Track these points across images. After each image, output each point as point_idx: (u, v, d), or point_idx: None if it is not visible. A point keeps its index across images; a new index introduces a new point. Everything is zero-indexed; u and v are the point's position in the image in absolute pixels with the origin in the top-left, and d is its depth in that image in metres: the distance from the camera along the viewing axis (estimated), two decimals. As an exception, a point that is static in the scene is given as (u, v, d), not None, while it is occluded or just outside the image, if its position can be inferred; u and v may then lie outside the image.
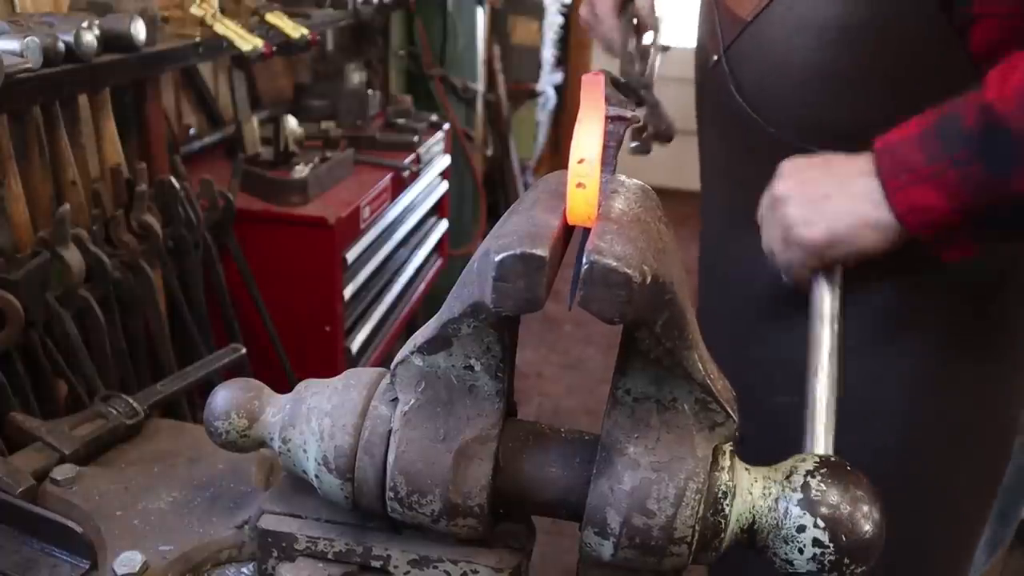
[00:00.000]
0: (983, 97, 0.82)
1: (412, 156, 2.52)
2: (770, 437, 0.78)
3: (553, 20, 4.81)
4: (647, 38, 1.29)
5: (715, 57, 1.09)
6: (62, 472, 0.81)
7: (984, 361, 1.09)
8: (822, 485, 0.58)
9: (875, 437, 1.07)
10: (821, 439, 0.83)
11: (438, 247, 2.97)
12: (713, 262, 1.28)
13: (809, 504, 0.58)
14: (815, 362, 0.92)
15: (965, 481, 1.14)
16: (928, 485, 1.11)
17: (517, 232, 0.52)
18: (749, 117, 1.05)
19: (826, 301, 0.93)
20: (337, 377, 0.67)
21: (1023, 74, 0.80)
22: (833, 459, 0.61)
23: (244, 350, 1.12)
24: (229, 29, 1.80)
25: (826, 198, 0.92)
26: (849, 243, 0.92)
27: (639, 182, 0.66)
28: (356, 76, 2.90)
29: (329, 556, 0.66)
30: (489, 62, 4.04)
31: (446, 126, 2.96)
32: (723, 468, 0.60)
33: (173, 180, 1.70)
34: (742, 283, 1.18)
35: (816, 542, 0.57)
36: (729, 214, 1.20)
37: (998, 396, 1.12)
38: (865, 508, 0.58)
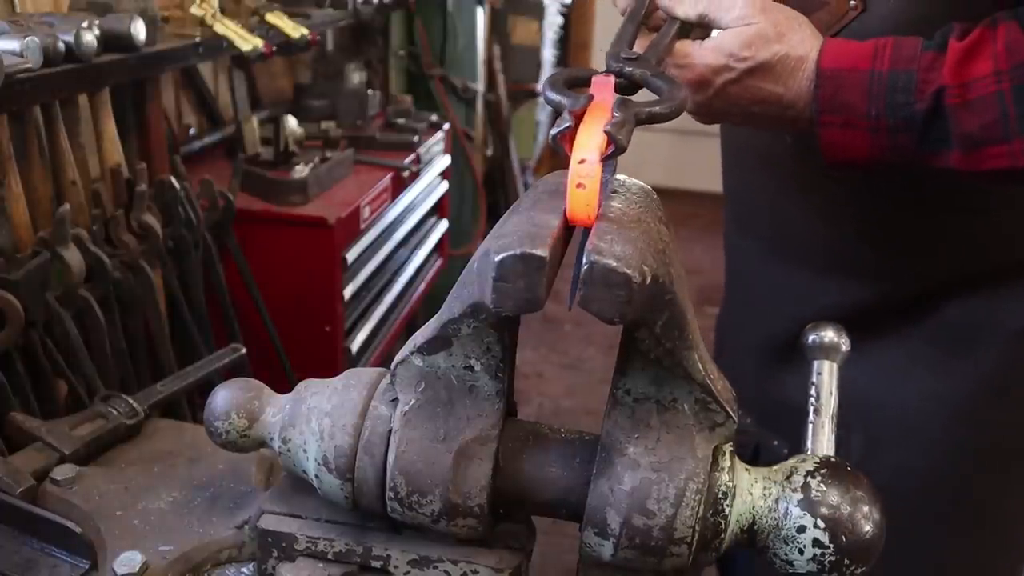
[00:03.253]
0: (941, 77, 0.82)
1: (412, 156, 2.52)
2: None
3: (553, 20, 4.81)
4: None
5: None
6: (62, 472, 0.81)
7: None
8: (822, 486, 0.58)
9: (923, 458, 1.07)
10: (822, 440, 0.83)
11: (438, 247, 2.97)
12: (746, 295, 1.26)
13: (809, 504, 0.58)
14: (818, 363, 0.92)
15: (1014, 506, 1.13)
16: (975, 508, 1.10)
17: (517, 232, 0.52)
18: (806, 152, 1.04)
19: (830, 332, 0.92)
20: (337, 377, 0.67)
21: (984, 65, 0.81)
22: (833, 459, 0.61)
23: (244, 350, 1.12)
24: (229, 29, 1.80)
25: (763, 100, 0.90)
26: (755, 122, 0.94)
27: (639, 182, 0.66)
28: (356, 76, 2.89)
29: (329, 556, 0.66)
30: (489, 62, 4.04)
31: (446, 126, 2.95)
32: (723, 468, 0.60)
33: (173, 180, 1.70)
34: (783, 311, 1.17)
35: (816, 542, 0.57)
36: (768, 248, 1.19)
37: None
38: (865, 508, 0.58)
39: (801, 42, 0.88)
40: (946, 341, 1.06)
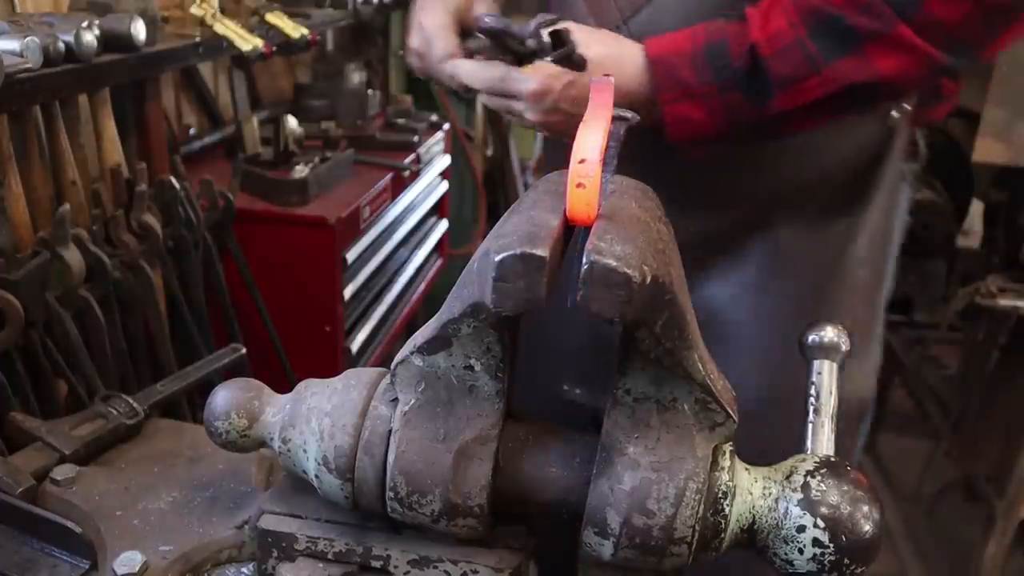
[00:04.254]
0: (749, 36, 0.98)
1: (412, 156, 2.52)
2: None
3: (553, 20, 4.80)
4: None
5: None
6: (62, 472, 0.81)
7: (837, 306, 1.21)
8: (822, 485, 0.58)
9: (745, 372, 1.14)
10: (822, 439, 0.83)
11: (438, 247, 2.97)
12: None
13: (809, 504, 0.58)
14: (817, 363, 0.92)
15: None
16: (780, 425, 1.15)
17: (517, 232, 0.52)
18: None
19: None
20: (337, 377, 0.67)
21: (780, 21, 0.97)
22: (833, 459, 0.61)
23: (244, 350, 1.12)
24: (229, 29, 1.80)
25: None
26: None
27: (639, 182, 0.67)
28: (356, 76, 2.89)
29: (329, 556, 0.66)
30: (489, 62, 4.03)
31: (446, 126, 2.95)
32: (723, 468, 0.60)
33: (173, 180, 1.70)
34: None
35: (816, 542, 0.57)
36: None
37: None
38: (865, 508, 0.58)
39: (619, 43, 1.04)
40: (771, 267, 1.21)
